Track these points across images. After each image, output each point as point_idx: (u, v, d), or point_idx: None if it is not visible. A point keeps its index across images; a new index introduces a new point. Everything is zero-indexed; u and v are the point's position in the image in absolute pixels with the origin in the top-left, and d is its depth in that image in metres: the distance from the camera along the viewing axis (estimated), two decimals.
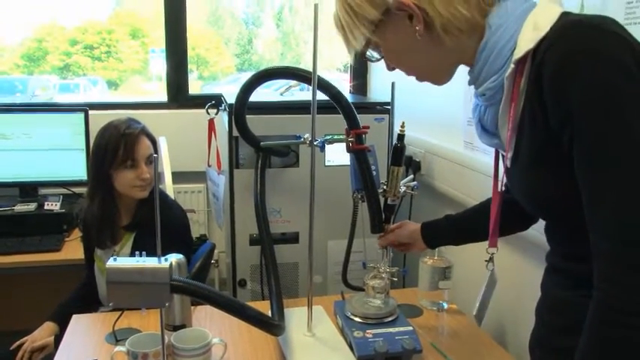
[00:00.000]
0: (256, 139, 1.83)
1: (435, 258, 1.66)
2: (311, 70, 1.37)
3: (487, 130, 1.01)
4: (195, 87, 3.20)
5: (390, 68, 1.05)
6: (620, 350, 0.78)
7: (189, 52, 2.83)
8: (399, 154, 1.46)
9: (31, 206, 2.37)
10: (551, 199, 0.91)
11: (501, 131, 0.95)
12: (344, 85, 3.03)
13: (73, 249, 2.18)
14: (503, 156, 1.03)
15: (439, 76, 1.04)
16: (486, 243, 1.33)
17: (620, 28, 0.81)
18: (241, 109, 1.73)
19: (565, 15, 0.86)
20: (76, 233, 2.29)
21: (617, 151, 0.77)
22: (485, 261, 1.31)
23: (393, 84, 1.53)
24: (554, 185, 0.88)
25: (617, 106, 0.77)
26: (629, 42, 0.79)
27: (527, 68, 0.86)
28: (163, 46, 2.77)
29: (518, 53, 0.86)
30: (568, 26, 0.82)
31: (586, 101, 0.78)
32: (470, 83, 0.99)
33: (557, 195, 0.89)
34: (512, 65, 0.87)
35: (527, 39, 0.86)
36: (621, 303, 0.76)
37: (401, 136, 1.48)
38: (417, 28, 0.93)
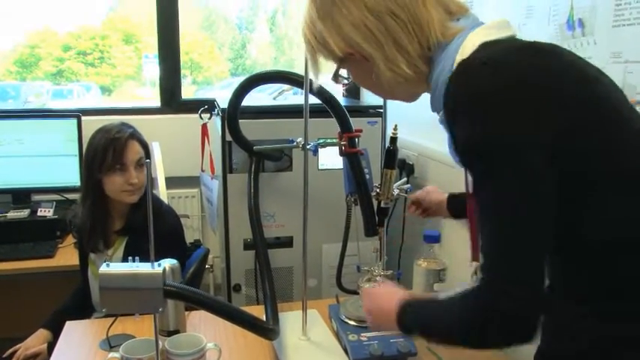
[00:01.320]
0: (249, 144, 1.83)
1: (430, 260, 1.66)
2: (303, 73, 1.37)
3: None
4: (189, 92, 3.20)
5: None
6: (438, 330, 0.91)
7: (183, 57, 2.83)
8: (391, 157, 1.46)
9: (24, 213, 2.36)
10: None
11: None
12: (337, 88, 3.03)
13: (66, 255, 2.17)
14: None
15: (406, 100, 1.07)
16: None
17: (529, 57, 0.84)
18: (234, 113, 1.73)
19: (485, 45, 0.86)
20: (70, 239, 2.28)
21: (488, 196, 0.82)
22: (472, 275, 1.23)
23: None
24: None
25: (487, 153, 0.80)
26: (519, 75, 0.80)
27: None
28: (156, 52, 2.76)
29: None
30: (460, 64, 0.85)
31: (462, 141, 0.84)
32: (432, 111, 1.00)
33: None
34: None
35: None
36: (487, 305, 0.81)
37: (393, 139, 1.48)
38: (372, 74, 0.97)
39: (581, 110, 0.81)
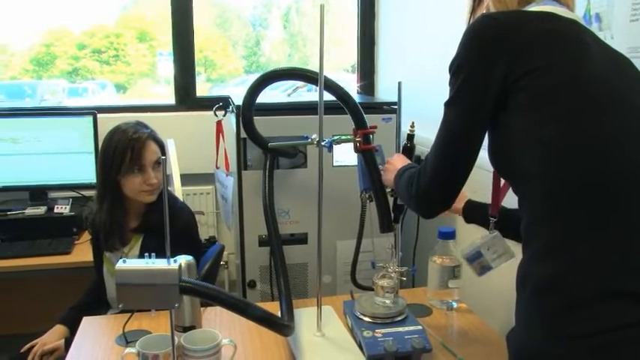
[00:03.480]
0: (264, 141, 1.83)
1: (444, 257, 1.66)
2: (317, 70, 1.37)
3: None
4: (203, 89, 3.21)
5: None
6: (401, 190, 1.25)
7: (197, 55, 2.84)
8: (408, 154, 1.47)
9: (41, 210, 2.38)
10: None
11: None
12: (351, 85, 3.03)
13: (83, 252, 2.19)
14: None
15: None
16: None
17: (518, 15, 1.04)
18: (249, 110, 1.74)
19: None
20: (86, 236, 2.30)
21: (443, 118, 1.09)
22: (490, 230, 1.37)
23: (399, 84, 1.53)
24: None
25: (451, 71, 1.05)
26: (495, 25, 1.00)
27: None
28: (171, 49, 2.78)
29: None
30: None
31: None
32: None
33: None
34: None
35: None
36: (417, 184, 1.14)
37: (411, 136, 1.48)
38: None
39: (541, 63, 0.95)
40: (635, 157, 0.91)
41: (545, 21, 1.01)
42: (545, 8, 1.04)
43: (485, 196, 1.42)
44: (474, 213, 1.47)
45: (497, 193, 1.30)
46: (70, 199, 2.46)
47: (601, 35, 1.29)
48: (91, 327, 1.58)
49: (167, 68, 3.01)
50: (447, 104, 1.07)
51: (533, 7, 1.06)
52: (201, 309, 1.53)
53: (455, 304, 1.67)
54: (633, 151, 0.91)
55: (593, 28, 1.33)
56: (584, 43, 0.99)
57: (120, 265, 1.04)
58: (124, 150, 1.69)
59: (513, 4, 1.10)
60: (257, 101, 1.73)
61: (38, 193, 2.48)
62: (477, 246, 1.38)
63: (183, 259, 1.37)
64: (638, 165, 0.91)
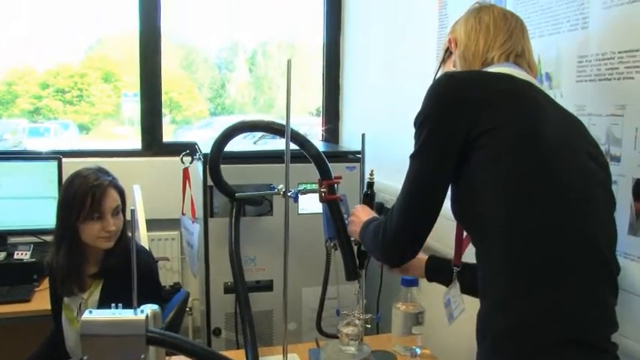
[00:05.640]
0: (231, 189, 1.85)
1: (408, 304, 1.69)
2: (284, 114, 1.41)
3: None
4: (168, 131, 3.22)
5: None
6: (367, 240, 1.29)
7: (163, 97, 2.86)
8: (369, 202, 1.51)
9: (0, 255, 2.33)
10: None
11: None
12: (316, 129, 3.09)
13: (43, 300, 2.13)
14: None
15: None
16: None
17: (479, 76, 1.11)
18: (216, 160, 1.76)
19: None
20: (47, 283, 2.25)
21: (408, 169, 1.13)
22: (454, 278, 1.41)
23: (363, 135, 1.59)
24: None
25: (416, 126, 1.11)
26: (459, 84, 1.08)
27: None
28: (136, 90, 2.79)
29: None
30: None
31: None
32: None
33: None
34: None
35: None
36: (384, 234, 1.17)
37: (370, 184, 1.53)
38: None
39: (503, 123, 1.02)
40: (584, 211, 0.98)
41: (502, 82, 1.09)
42: (504, 70, 1.12)
43: (449, 245, 1.47)
44: (437, 275, 1.47)
45: (460, 242, 1.34)
46: (32, 245, 2.41)
47: (551, 93, 1.38)
48: None
49: (132, 109, 3.02)
50: (412, 157, 1.12)
51: (492, 68, 1.14)
52: (166, 357, 1.52)
53: (419, 351, 1.70)
54: (583, 206, 0.98)
55: (544, 86, 1.42)
56: (538, 103, 1.07)
57: (86, 316, 1.03)
58: (84, 196, 1.69)
59: (476, 65, 1.18)
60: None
61: None
62: (446, 293, 1.43)
63: (149, 309, 1.37)
64: (588, 221, 0.97)
